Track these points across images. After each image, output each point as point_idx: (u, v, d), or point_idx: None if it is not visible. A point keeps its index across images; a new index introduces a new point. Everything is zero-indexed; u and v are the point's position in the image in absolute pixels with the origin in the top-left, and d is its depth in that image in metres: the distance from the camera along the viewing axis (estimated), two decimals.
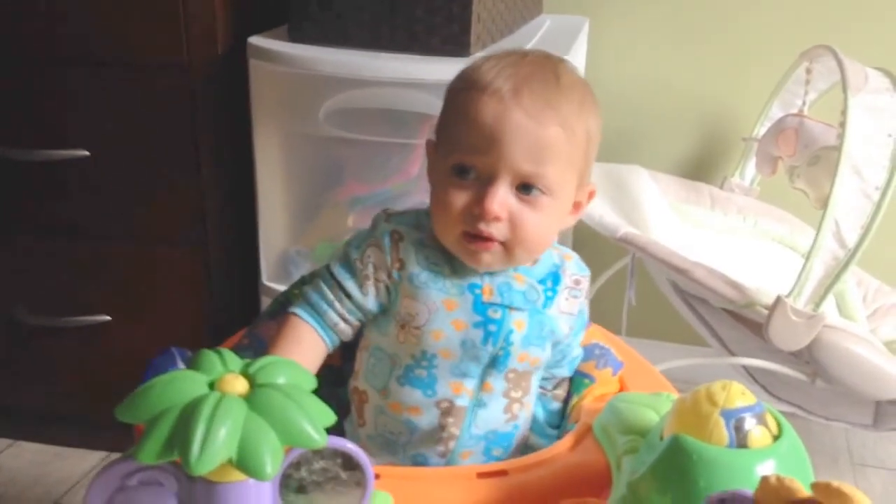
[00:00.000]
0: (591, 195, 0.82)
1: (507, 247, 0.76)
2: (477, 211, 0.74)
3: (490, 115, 0.74)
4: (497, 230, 0.75)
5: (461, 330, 0.78)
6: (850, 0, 1.54)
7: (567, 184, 0.77)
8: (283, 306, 0.90)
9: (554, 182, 0.75)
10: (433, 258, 0.80)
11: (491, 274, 0.80)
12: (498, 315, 0.79)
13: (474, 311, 0.78)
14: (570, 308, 0.84)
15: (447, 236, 0.78)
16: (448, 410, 0.80)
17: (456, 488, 0.71)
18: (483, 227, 0.75)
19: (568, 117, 0.74)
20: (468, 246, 0.76)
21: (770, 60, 1.56)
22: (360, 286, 0.80)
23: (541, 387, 0.88)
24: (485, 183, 0.75)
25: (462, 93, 0.77)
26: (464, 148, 0.75)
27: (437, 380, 0.80)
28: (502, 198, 0.74)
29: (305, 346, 0.80)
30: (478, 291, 0.79)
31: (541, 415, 0.88)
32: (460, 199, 0.75)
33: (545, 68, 0.77)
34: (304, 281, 0.94)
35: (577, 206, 0.81)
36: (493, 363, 0.80)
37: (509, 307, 0.79)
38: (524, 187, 0.75)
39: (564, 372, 0.89)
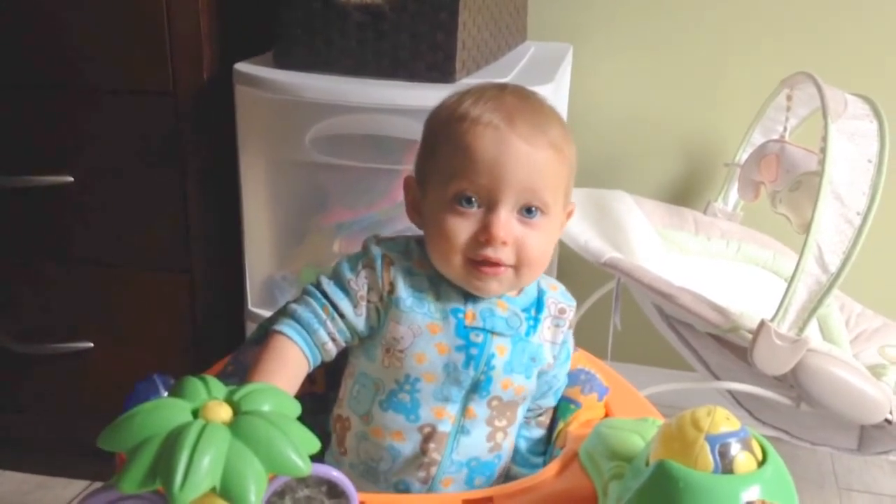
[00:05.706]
0: (569, 214, 0.85)
1: (516, 270, 0.78)
2: (483, 238, 0.76)
3: (488, 142, 0.76)
4: (504, 255, 0.77)
5: (444, 353, 0.79)
6: (829, 28, 1.56)
7: (558, 202, 0.80)
8: (268, 332, 0.89)
9: (550, 201, 0.78)
10: (419, 285, 0.80)
11: (474, 300, 0.80)
12: (480, 339, 0.79)
13: (456, 334, 0.79)
14: (553, 337, 0.85)
15: (451, 267, 0.78)
16: (430, 436, 0.80)
17: None
18: (490, 253, 0.76)
19: (556, 140, 0.78)
20: (475, 273, 0.77)
21: (751, 87, 1.58)
22: (355, 306, 0.80)
23: (525, 417, 0.88)
24: (488, 209, 0.77)
25: (451, 125, 0.78)
26: (463, 176, 0.77)
27: (421, 404, 0.80)
28: (507, 222, 0.76)
29: (290, 367, 0.79)
30: (460, 316, 0.79)
31: (522, 445, 0.88)
32: (464, 227, 0.77)
33: (528, 99, 0.81)
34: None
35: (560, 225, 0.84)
36: (475, 388, 0.80)
37: (491, 332, 0.80)
38: (526, 210, 0.77)
39: (550, 402, 0.89)
